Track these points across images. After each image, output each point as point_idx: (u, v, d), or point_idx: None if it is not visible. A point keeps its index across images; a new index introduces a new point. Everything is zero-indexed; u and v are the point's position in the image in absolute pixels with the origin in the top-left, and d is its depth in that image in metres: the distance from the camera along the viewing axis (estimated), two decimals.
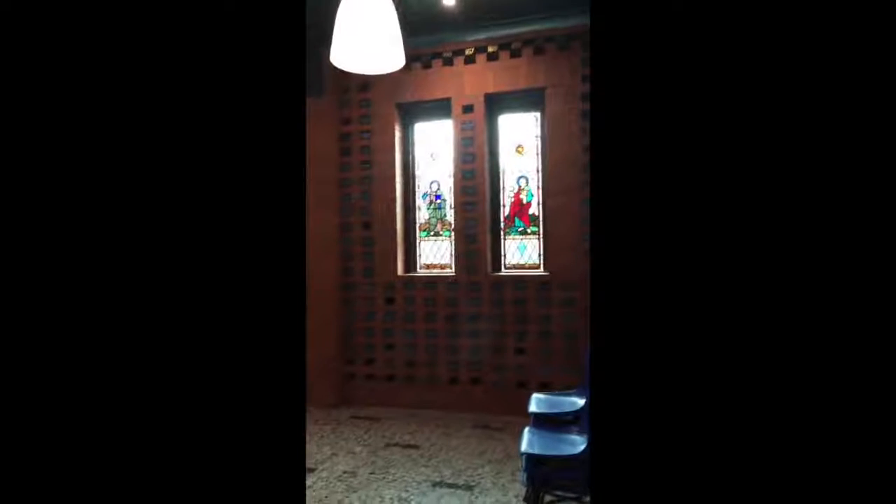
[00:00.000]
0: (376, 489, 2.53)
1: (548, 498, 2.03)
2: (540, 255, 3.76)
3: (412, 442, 3.14)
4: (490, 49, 3.65)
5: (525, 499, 2.04)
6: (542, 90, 3.58)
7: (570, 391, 2.35)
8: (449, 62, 3.75)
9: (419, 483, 2.58)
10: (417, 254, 4.03)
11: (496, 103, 3.76)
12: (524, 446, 1.90)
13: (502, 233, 3.83)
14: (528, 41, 3.58)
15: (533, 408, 2.23)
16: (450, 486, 2.54)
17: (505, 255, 3.83)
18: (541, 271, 3.71)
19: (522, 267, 3.80)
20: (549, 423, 2.15)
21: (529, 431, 2.05)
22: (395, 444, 3.11)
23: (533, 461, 1.84)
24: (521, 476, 1.92)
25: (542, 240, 3.75)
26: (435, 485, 2.55)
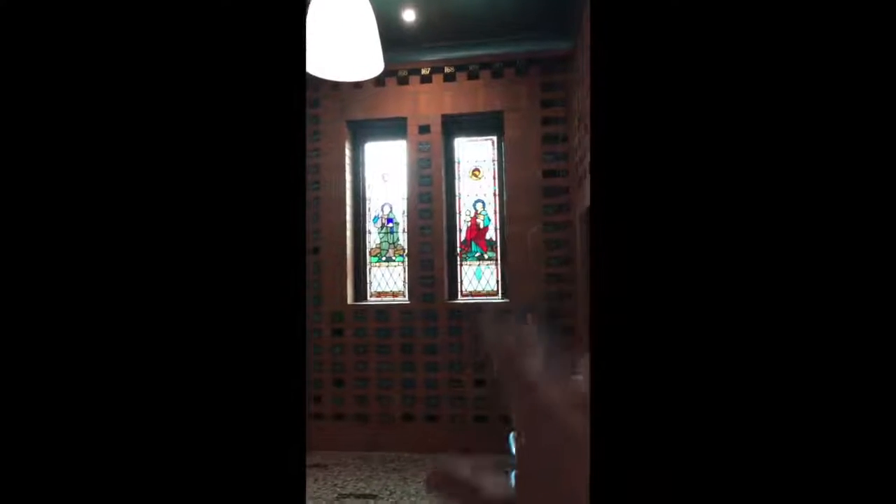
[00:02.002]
0: None
1: None
2: (498, 281, 3.63)
3: (368, 491, 2.83)
4: (447, 70, 3.55)
5: None
6: (499, 114, 3.52)
7: None
8: (404, 81, 3.60)
9: None
10: (368, 281, 3.77)
11: (453, 125, 3.65)
12: None
13: (459, 258, 3.68)
14: (485, 64, 3.52)
15: (514, 448, 2.04)
16: None
17: (462, 282, 3.67)
18: (499, 298, 3.58)
19: (479, 294, 3.65)
20: None
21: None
22: (349, 495, 2.78)
23: None
24: None
25: (500, 266, 3.63)
26: None
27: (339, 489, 2.85)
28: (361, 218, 3.78)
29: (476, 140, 3.71)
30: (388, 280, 3.74)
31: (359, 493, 2.80)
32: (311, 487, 2.88)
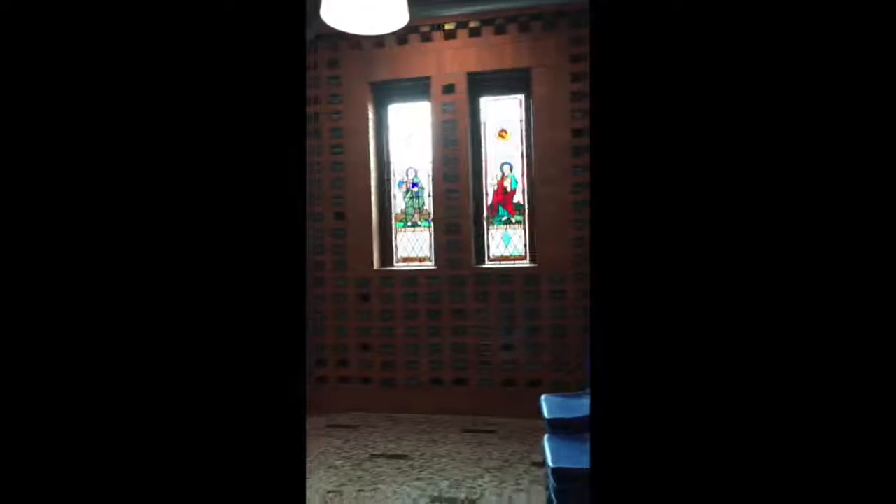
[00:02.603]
0: None
1: None
2: (526, 245, 3.56)
3: (398, 451, 2.88)
4: (472, 24, 3.40)
5: None
6: (527, 70, 3.37)
7: (585, 392, 2.16)
8: (427, 38, 3.46)
9: (415, 499, 2.32)
10: (394, 246, 3.74)
11: (478, 84, 3.52)
12: (551, 460, 1.69)
13: (486, 223, 3.61)
14: (512, 17, 3.35)
15: (547, 412, 2.02)
16: (450, 501, 2.30)
17: (489, 247, 3.61)
18: (527, 263, 3.51)
19: (507, 259, 3.59)
20: (568, 428, 1.94)
21: (551, 440, 1.84)
22: (380, 455, 2.83)
23: (561, 476, 1.63)
24: (548, 495, 1.71)
25: (528, 229, 3.55)
26: (434, 500, 2.31)
27: (370, 449, 2.91)
28: (386, 182, 3.73)
29: (502, 99, 3.58)
30: (414, 245, 3.71)
31: (390, 453, 2.85)
32: (342, 448, 2.95)
